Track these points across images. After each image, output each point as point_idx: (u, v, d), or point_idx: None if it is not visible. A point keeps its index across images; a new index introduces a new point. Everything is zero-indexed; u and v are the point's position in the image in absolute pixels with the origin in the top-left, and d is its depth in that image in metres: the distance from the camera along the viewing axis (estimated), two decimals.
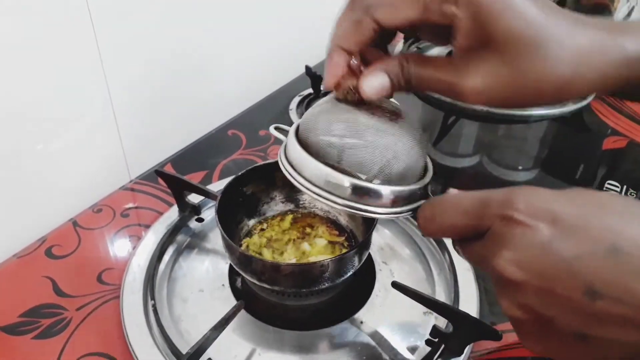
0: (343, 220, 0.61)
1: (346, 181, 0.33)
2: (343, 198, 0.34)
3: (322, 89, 0.33)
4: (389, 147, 0.34)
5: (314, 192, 0.35)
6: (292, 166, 0.36)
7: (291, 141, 0.36)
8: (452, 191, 0.33)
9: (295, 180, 0.36)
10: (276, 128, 0.45)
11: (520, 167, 0.83)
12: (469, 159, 0.85)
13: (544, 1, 0.29)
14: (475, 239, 0.30)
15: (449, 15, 0.29)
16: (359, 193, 0.34)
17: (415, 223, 0.63)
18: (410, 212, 0.35)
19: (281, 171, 0.57)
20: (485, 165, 0.82)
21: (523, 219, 0.27)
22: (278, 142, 0.80)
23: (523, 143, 0.90)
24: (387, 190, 0.34)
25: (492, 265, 0.28)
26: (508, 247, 0.27)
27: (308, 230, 0.59)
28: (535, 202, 0.27)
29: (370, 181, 0.34)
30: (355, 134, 0.34)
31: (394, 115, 0.35)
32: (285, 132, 0.40)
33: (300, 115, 0.88)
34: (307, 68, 0.92)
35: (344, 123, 0.34)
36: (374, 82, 0.33)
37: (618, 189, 0.72)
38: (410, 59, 0.32)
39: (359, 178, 0.34)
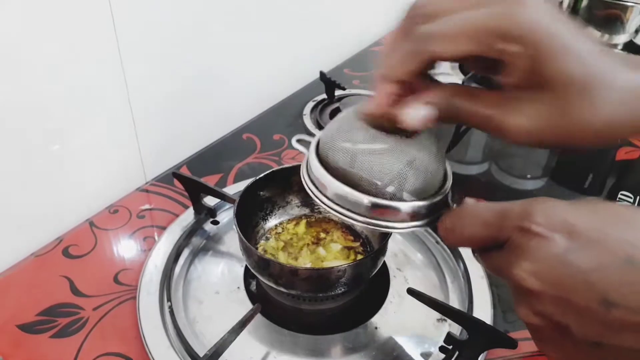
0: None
1: (366, 200, 0.34)
2: (364, 216, 0.35)
3: (360, 111, 0.34)
4: (408, 163, 0.34)
5: (336, 211, 0.35)
6: (314, 184, 0.37)
7: (312, 159, 0.37)
8: (469, 201, 0.34)
9: (318, 199, 0.36)
10: (298, 141, 0.45)
11: (529, 176, 0.83)
12: (477, 166, 0.85)
13: (596, 40, 0.29)
14: (494, 249, 0.31)
15: (509, 53, 0.28)
16: (380, 210, 0.34)
17: (430, 231, 0.64)
18: (431, 224, 0.36)
19: (298, 176, 0.57)
20: (494, 174, 0.82)
21: (541, 231, 0.27)
22: (292, 146, 0.81)
23: (532, 152, 0.90)
24: (406, 206, 0.34)
25: (510, 275, 0.29)
26: (526, 258, 0.28)
27: (323, 235, 0.60)
28: (552, 214, 0.28)
29: (390, 198, 0.34)
30: (373, 154, 0.34)
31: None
32: (306, 145, 0.41)
33: (314, 120, 0.89)
34: (322, 74, 0.93)
35: (361, 143, 0.35)
36: (419, 114, 0.32)
37: (631, 200, 0.72)
38: (459, 92, 0.32)
39: (379, 196, 0.34)
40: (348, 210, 0.35)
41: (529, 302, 0.28)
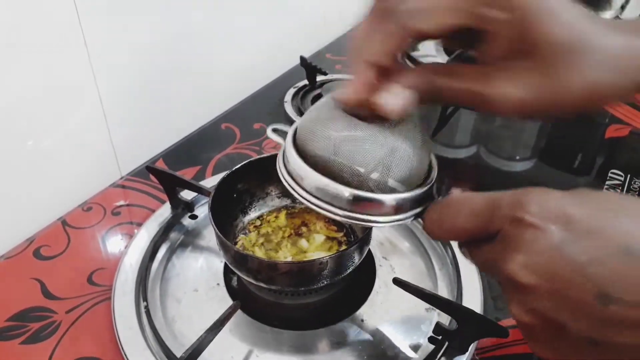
0: None
1: (346, 192, 0.32)
2: (344, 209, 0.33)
3: (336, 98, 0.33)
4: (390, 153, 0.32)
5: (314, 204, 0.33)
6: (291, 176, 0.35)
7: (289, 150, 0.35)
8: (456, 192, 0.32)
9: (296, 192, 0.34)
10: (274, 130, 0.43)
11: (517, 157, 0.82)
12: (465, 150, 0.83)
13: (581, 7, 0.28)
14: (484, 242, 0.29)
15: (492, 20, 0.27)
16: (361, 204, 0.32)
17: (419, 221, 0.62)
18: (415, 217, 0.34)
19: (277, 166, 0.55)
20: (482, 156, 0.81)
21: (535, 221, 0.26)
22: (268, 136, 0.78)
23: (521, 133, 0.89)
24: (390, 199, 0.32)
25: (502, 269, 0.27)
26: (519, 250, 0.26)
27: (304, 226, 0.58)
28: (547, 204, 0.26)
29: (372, 190, 0.32)
30: (354, 142, 0.32)
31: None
32: (283, 134, 0.39)
33: (296, 107, 0.86)
34: (302, 59, 0.90)
35: (342, 131, 0.33)
36: (398, 99, 0.31)
37: (622, 178, 0.71)
38: (438, 71, 0.31)
39: (360, 188, 0.32)
40: (327, 203, 0.33)
41: (523, 298, 0.27)
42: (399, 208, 0.33)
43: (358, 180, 0.32)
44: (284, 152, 0.36)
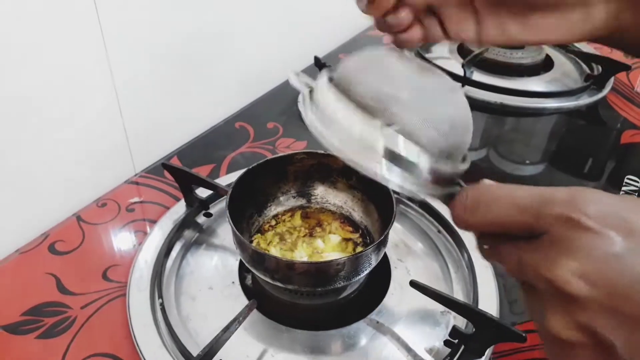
0: (357, 216, 0.59)
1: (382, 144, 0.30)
2: (374, 162, 0.30)
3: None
4: (449, 117, 0.32)
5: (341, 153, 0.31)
6: (322, 123, 0.33)
7: (327, 90, 0.33)
8: (487, 182, 0.29)
9: (323, 137, 0.32)
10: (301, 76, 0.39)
11: (528, 162, 0.81)
12: (476, 153, 0.83)
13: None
14: (521, 240, 0.26)
15: None
16: (396, 161, 0.30)
17: (432, 219, 0.61)
18: (440, 195, 0.31)
19: (293, 165, 0.55)
20: (492, 160, 0.80)
21: (593, 225, 0.23)
22: (286, 134, 0.78)
23: (531, 137, 0.88)
24: (427, 164, 0.30)
25: (547, 275, 0.24)
26: (573, 256, 0.23)
27: (319, 226, 0.57)
28: (606, 208, 0.24)
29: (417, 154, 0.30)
30: (412, 93, 0.31)
31: (442, 81, 0.34)
32: (303, 82, 0.37)
33: None
34: (316, 59, 0.90)
35: (400, 83, 0.31)
36: None
37: (638, 184, 0.70)
38: None
39: (408, 155, 0.30)
40: (355, 153, 0.30)
41: (571, 311, 0.24)
42: (435, 179, 0.30)
43: (406, 139, 0.30)
44: (316, 91, 0.34)
